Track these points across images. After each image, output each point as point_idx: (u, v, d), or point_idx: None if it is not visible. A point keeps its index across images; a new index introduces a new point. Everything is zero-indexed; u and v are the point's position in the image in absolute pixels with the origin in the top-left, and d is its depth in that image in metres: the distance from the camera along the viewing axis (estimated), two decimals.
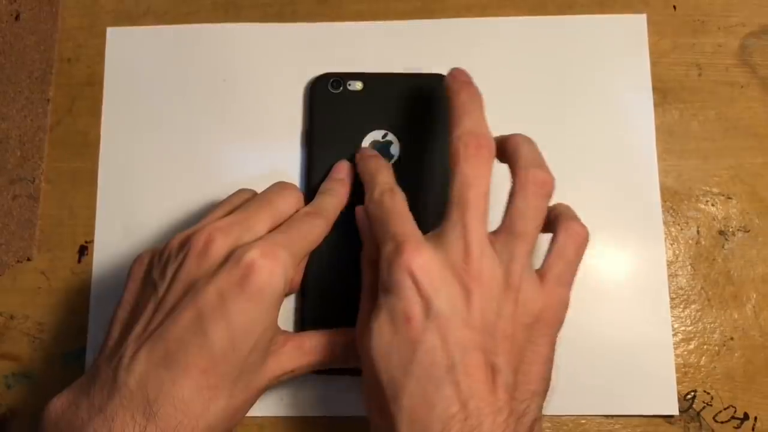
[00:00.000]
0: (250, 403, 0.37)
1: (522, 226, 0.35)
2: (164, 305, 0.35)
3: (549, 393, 0.42)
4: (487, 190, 0.36)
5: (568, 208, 0.39)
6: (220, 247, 0.36)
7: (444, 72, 0.45)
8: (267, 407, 0.43)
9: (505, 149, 0.38)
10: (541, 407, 0.35)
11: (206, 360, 0.34)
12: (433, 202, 0.44)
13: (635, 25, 0.47)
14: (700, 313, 0.44)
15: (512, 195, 0.36)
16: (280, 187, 0.41)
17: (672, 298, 0.44)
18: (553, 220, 0.38)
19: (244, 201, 0.40)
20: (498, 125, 0.46)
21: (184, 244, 0.37)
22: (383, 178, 0.40)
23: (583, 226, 0.37)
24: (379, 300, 0.35)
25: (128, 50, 0.49)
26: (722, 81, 0.47)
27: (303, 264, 0.42)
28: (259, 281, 0.34)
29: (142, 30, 0.49)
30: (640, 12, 0.48)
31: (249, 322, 0.34)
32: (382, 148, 0.44)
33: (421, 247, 0.34)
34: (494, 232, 0.36)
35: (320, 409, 0.43)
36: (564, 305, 0.36)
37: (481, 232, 0.35)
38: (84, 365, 0.44)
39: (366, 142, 0.45)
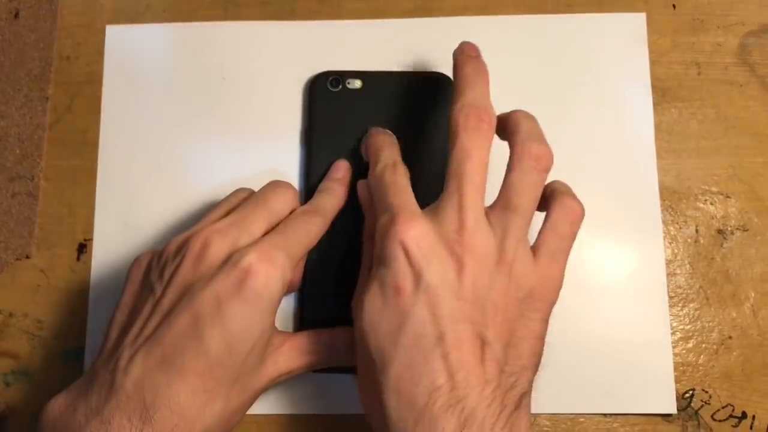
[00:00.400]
0: (248, 405, 0.37)
1: (517, 200, 0.35)
2: (161, 308, 0.35)
3: (549, 391, 0.42)
4: (486, 163, 0.36)
5: (563, 184, 0.39)
6: (216, 251, 0.36)
7: (443, 71, 0.46)
8: (265, 405, 0.43)
9: (506, 125, 0.38)
10: (531, 381, 0.35)
11: (203, 364, 0.34)
12: (432, 201, 0.44)
13: (634, 24, 0.47)
14: (698, 311, 0.44)
15: (509, 169, 0.36)
16: (275, 185, 0.41)
17: (670, 297, 0.44)
18: (549, 196, 0.38)
19: (241, 201, 0.40)
20: None
21: (182, 247, 0.37)
22: (387, 152, 0.40)
23: (578, 202, 0.37)
24: (372, 272, 0.35)
25: (127, 48, 0.49)
26: (721, 80, 0.47)
27: (302, 263, 0.42)
28: (256, 286, 0.34)
29: (141, 28, 0.49)
30: (639, 11, 0.48)
31: (246, 327, 0.35)
32: None
33: (415, 218, 0.35)
34: (490, 206, 0.36)
35: (318, 407, 0.43)
36: (557, 281, 0.36)
37: (477, 204, 0.35)
38: (83, 363, 0.44)
39: (365, 141, 0.44)
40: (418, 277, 0.33)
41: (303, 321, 0.43)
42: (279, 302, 0.36)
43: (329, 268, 0.43)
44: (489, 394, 0.32)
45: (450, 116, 0.37)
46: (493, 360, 0.33)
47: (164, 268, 0.37)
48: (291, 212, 0.40)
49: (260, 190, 0.41)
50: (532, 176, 0.36)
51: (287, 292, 0.43)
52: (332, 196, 0.42)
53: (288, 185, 0.41)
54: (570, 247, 0.37)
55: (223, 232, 0.37)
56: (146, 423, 0.33)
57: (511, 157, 0.37)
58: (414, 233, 0.34)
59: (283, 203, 0.40)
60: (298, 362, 0.39)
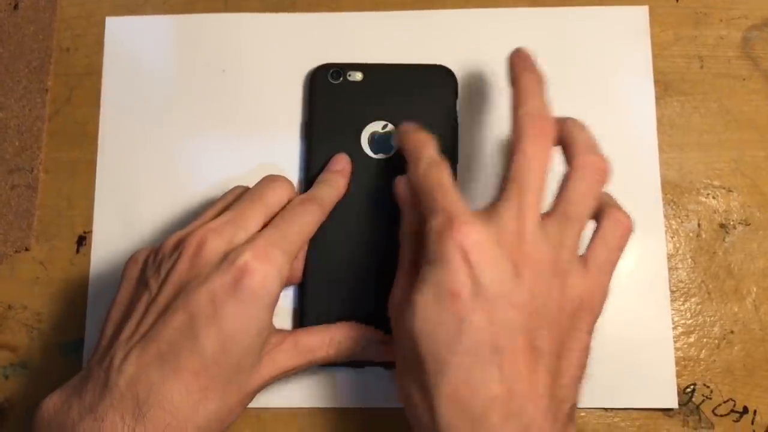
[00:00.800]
0: (244, 404, 0.37)
1: (575, 211, 0.35)
2: (156, 306, 0.35)
3: None
4: (547, 172, 0.35)
5: (611, 197, 0.38)
6: (212, 249, 0.36)
7: (445, 63, 0.45)
8: (267, 398, 0.43)
9: (561, 134, 0.38)
10: (578, 394, 0.34)
11: (197, 364, 0.34)
12: None
13: (637, 17, 0.47)
14: (700, 306, 0.44)
15: (568, 179, 0.36)
16: (270, 180, 0.40)
17: (672, 292, 0.44)
18: (598, 208, 0.37)
19: (237, 197, 0.40)
20: (497, 117, 0.46)
21: (178, 245, 0.37)
22: (429, 150, 0.39)
23: (628, 216, 0.37)
24: (423, 273, 0.34)
25: (127, 40, 0.48)
26: (724, 73, 0.46)
27: (303, 254, 0.42)
28: (252, 285, 0.34)
29: (141, 19, 0.49)
30: (641, 4, 0.47)
31: (241, 327, 0.34)
32: (381, 139, 0.44)
33: (474, 222, 0.33)
34: (546, 214, 0.35)
35: (318, 401, 0.43)
36: (605, 293, 0.36)
37: (537, 213, 0.34)
38: (82, 356, 0.44)
39: (366, 133, 0.44)
40: (476, 284, 0.32)
41: (304, 316, 0.43)
42: (276, 300, 0.36)
43: (332, 263, 0.43)
44: (544, 408, 0.32)
45: (513, 123, 0.36)
46: (547, 371, 0.33)
47: (160, 266, 0.37)
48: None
49: (255, 185, 0.40)
50: (592, 188, 0.36)
51: (288, 285, 0.43)
52: (331, 187, 0.42)
53: (283, 178, 0.41)
54: (618, 259, 0.37)
55: (218, 230, 0.36)
56: (138, 421, 0.33)
57: (570, 168, 0.36)
58: (475, 238, 0.33)
59: (279, 196, 0.40)
60: (298, 360, 0.38)
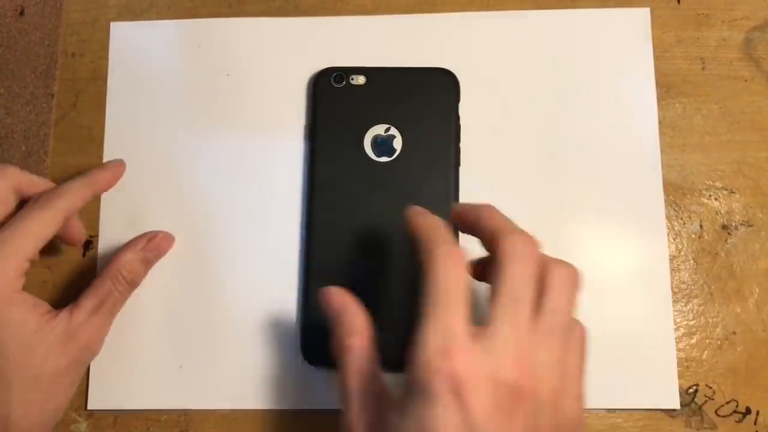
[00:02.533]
0: (64, 381, 0.40)
1: (562, 338, 0.32)
2: None
3: None
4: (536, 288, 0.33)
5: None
6: None
7: (447, 66, 0.46)
8: (271, 400, 0.43)
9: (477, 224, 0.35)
10: None
11: None
12: (434, 196, 0.44)
13: (639, 19, 0.47)
14: (702, 307, 0.44)
15: (543, 290, 0.32)
16: None
17: (674, 293, 0.44)
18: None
19: None
20: (499, 119, 0.46)
21: None
22: (447, 236, 0.34)
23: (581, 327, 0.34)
24: (407, 400, 0.30)
25: (132, 45, 0.49)
26: (726, 75, 0.46)
27: (74, 218, 0.43)
28: None
29: (145, 25, 0.49)
30: (643, 6, 0.47)
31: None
32: (384, 142, 0.45)
33: (470, 349, 0.30)
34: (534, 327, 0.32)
35: (324, 402, 0.43)
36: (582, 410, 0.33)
37: (531, 335, 0.31)
38: None
39: (369, 136, 0.45)
40: (465, 424, 0.29)
41: (305, 318, 0.43)
42: (15, 301, 0.38)
43: (333, 266, 0.43)
44: None
45: (497, 247, 0.33)
46: None
47: None
48: (25, 198, 0.42)
49: None
50: (573, 302, 0.33)
51: (71, 243, 0.45)
52: (77, 185, 0.42)
53: (2, 168, 0.41)
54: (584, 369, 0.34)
55: None
56: None
57: (544, 279, 0.33)
58: (469, 376, 0.29)
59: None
60: (94, 320, 0.41)
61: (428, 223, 0.35)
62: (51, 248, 0.46)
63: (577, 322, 0.34)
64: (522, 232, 0.34)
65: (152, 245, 0.44)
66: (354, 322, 0.35)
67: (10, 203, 0.41)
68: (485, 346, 0.30)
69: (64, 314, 0.40)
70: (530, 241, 0.33)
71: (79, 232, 0.44)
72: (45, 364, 0.38)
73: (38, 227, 0.40)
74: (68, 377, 0.40)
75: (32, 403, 0.38)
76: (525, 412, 0.30)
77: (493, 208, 0.36)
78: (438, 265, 0.32)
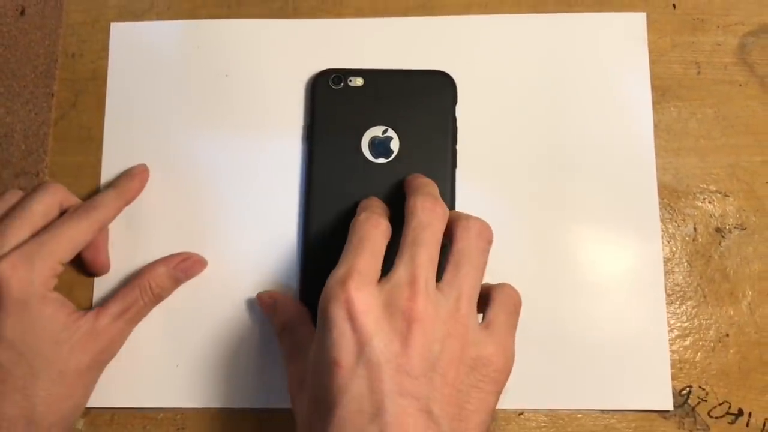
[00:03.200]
0: (81, 383, 0.41)
1: (468, 267, 0.36)
2: None
3: (547, 387, 0.42)
4: (440, 239, 0.36)
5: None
6: None
7: (444, 68, 0.46)
8: (266, 399, 0.43)
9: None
10: None
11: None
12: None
13: (635, 23, 0.48)
14: (696, 309, 0.44)
15: (452, 241, 0.36)
16: (37, 189, 0.43)
17: (668, 295, 0.44)
18: (488, 288, 0.38)
19: (9, 209, 0.42)
20: (495, 122, 0.46)
21: None
22: (376, 204, 0.41)
23: (515, 291, 0.38)
24: (317, 331, 0.35)
25: (132, 45, 0.49)
26: (721, 79, 0.47)
27: (103, 245, 0.45)
28: (11, 293, 0.38)
29: (145, 25, 0.49)
30: (639, 10, 0.48)
31: (22, 330, 0.38)
32: (381, 143, 0.45)
33: (367, 285, 0.34)
34: (441, 280, 0.36)
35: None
36: (512, 354, 0.36)
37: (430, 273, 0.35)
38: None
39: (366, 138, 0.45)
40: (361, 350, 0.32)
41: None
42: (48, 292, 0.40)
43: (331, 269, 0.44)
44: None
45: (408, 202, 0.38)
46: None
47: None
48: (64, 211, 0.43)
49: (26, 194, 0.43)
50: (480, 245, 0.37)
51: (95, 274, 0.45)
52: (113, 192, 0.44)
53: (51, 185, 0.43)
54: (516, 324, 0.37)
55: None
56: None
57: (453, 232, 0.37)
58: (362, 301, 0.33)
59: (45, 204, 0.42)
60: (117, 326, 0.42)
61: (373, 199, 0.42)
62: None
63: (512, 290, 0.38)
64: (433, 198, 0.38)
65: (185, 266, 0.44)
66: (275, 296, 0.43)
67: (53, 216, 0.43)
68: (382, 282, 0.35)
69: (90, 316, 0.41)
70: (436, 203, 0.37)
71: (105, 259, 0.45)
72: (70, 360, 0.40)
73: (74, 234, 0.41)
74: (88, 376, 0.41)
75: (56, 397, 0.39)
76: (422, 338, 0.33)
77: (420, 176, 0.42)
78: (357, 224, 0.37)
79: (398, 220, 0.43)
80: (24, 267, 0.39)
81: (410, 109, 0.45)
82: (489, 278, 0.44)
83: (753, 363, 0.43)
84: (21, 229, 0.41)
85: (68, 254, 0.41)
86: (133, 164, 0.47)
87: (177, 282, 0.44)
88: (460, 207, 0.44)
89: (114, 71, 0.49)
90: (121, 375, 0.44)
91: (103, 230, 0.44)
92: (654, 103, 0.46)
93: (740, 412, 0.43)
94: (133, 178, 0.45)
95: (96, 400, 0.44)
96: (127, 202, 0.45)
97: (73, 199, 0.44)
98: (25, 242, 0.40)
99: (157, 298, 0.44)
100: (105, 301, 0.43)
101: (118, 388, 0.44)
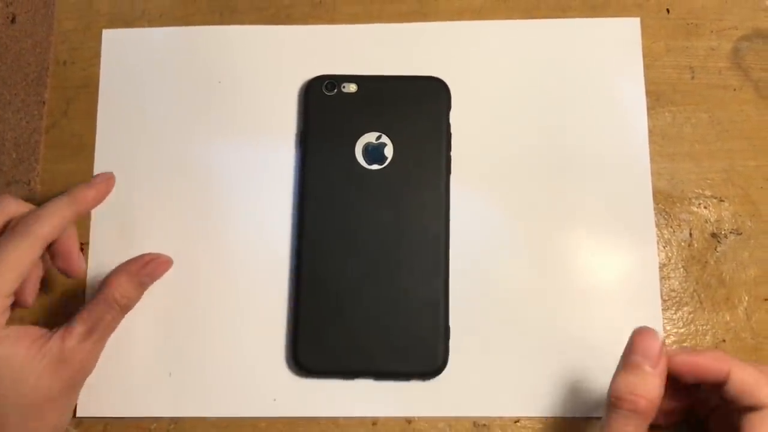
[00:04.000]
0: (59, 411, 0.40)
1: None
2: None
3: (543, 394, 0.42)
4: None
5: None
6: None
7: (438, 74, 0.46)
8: (260, 408, 0.43)
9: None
10: None
11: None
12: (425, 204, 0.44)
13: (629, 29, 0.48)
14: (692, 315, 0.44)
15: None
16: None
17: (664, 300, 0.44)
18: None
19: None
20: (490, 128, 0.46)
21: None
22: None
23: None
24: None
25: (124, 52, 0.49)
26: (715, 84, 0.47)
27: (34, 279, 0.42)
28: None
29: (137, 32, 0.49)
30: (633, 15, 0.48)
31: None
32: (375, 149, 0.45)
33: None
34: None
35: (313, 410, 0.43)
36: None
37: None
38: None
39: (360, 144, 0.45)
40: None
41: (297, 328, 0.43)
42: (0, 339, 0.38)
43: (326, 275, 0.43)
44: None
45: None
46: None
47: None
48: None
49: None
50: None
51: (17, 307, 0.42)
52: (59, 205, 0.41)
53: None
54: None
55: None
56: None
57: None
58: None
59: None
60: (87, 346, 0.39)
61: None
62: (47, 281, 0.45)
63: None
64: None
65: (148, 270, 0.42)
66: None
67: None
68: None
69: (56, 339, 0.39)
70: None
71: (78, 263, 0.43)
72: (38, 389, 0.38)
73: (15, 260, 0.38)
74: (63, 400, 0.40)
75: (31, 429, 0.38)
76: None
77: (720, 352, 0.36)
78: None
79: (390, 227, 0.43)
80: None
81: (404, 116, 0.45)
82: (483, 283, 0.44)
83: None
84: None
85: (13, 285, 0.38)
86: (126, 172, 0.46)
87: (143, 287, 0.42)
88: (454, 214, 0.44)
89: (106, 78, 0.48)
90: (113, 384, 0.44)
91: (69, 234, 0.42)
92: (648, 108, 0.46)
93: None
94: (90, 187, 0.43)
95: (88, 410, 0.43)
96: (79, 213, 0.42)
97: (23, 208, 0.41)
98: None
99: (125, 309, 0.41)
100: (70, 318, 0.40)
101: (110, 397, 0.44)
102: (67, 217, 0.41)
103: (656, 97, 0.47)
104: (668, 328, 0.44)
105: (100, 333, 0.40)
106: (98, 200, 0.44)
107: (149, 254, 0.43)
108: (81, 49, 0.49)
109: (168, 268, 0.44)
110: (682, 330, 0.44)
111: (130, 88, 0.48)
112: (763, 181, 0.45)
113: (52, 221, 0.40)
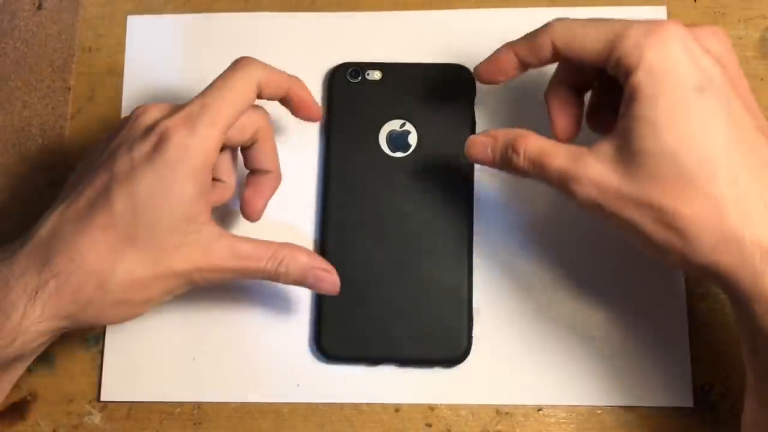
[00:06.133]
0: (163, 285, 0.37)
1: None
2: (93, 169, 0.37)
3: (567, 383, 0.42)
4: None
5: None
6: (147, 119, 0.37)
7: (463, 62, 0.46)
8: (283, 394, 0.43)
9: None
10: None
11: (106, 219, 0.35)
12: (449, 191, 0.44)
13: (655, 17, 0.47)
14: (716, 304, 0.44)
15: None
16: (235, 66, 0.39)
17: (688, 289, 0.44)
18: None
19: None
20: (515, 115, 0.46)
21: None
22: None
23: None
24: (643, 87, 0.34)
25: (148, 39, 0.49)
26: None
27: (269, 189, 0.42)
28: (167, 151, 0.35)
29: (162, 19, 0.49)
30: (659, 4, 0.47)
31: (154, 192, 0.35)
32: (399, 137, 0.45)
33: None
34: None
35: (336, 396, 0.43)
36: None
37: None
38: (103, 348, 0.44)
39: (384, 132, 0.45)
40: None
41: (322, 312, 0.43)
42: (201, 172, 0.36)
43: (351, 261, 0.43)
44: None
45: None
46: None
47: (116, 134, 0.38)
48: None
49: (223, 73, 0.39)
50: None
51: (249, 219, 0.42)
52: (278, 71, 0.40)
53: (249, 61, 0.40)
54: None
55: (161, 106, 0.38)
56: (45, 264, 0.35)
57: None
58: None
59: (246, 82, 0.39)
60: (232, 262, 0.37)
61: None
62: None
63: None
64: None
65: (320, 275, 0.39)
66: None
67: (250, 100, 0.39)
68: None
69: (217, 232, 0.37)
70: None
71: (261, 205, 0.42)
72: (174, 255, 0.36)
73: (233, 96, 0.38)
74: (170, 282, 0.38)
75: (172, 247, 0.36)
76: None
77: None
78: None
79: (414, 214, 0.43)
80: (187, 128, 0.36)
81: (428, 103, 0.45)
82: (505, 274, 0.44)
83: None
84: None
85: (236, 113, 0.38)
86: None
87: (302, 281, 0.39)
88: (479, 202, 0.44)
89: (131, 65, 0.49)
90: (138, 369, 0.44)
91: (300, 86, 0.41)
92: None
93: None
94: (310, 96, 0.42)
95: (113, 394, 0.44)
96: (293, 96, 0.41)
97: (275, 75, 0.40)
98: (190, 102, 0.37)
99: (274, 275, 0.38)
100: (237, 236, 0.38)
101: (135, 381, 0.44)
102: (284, 89, 0.40)
103: None
104: (692, 317, 0.43)
105: (242, 269, 0.38)
106: (307, 106, 0.42)
107: (329, 265, 0.40)
108: (106, 35, 0.49)
109: (330, 289, 0.40)
110: (707, 320, 0.43)
111: (154, 74, 0.48)
112: None
113: (272, 75, 0.40)
